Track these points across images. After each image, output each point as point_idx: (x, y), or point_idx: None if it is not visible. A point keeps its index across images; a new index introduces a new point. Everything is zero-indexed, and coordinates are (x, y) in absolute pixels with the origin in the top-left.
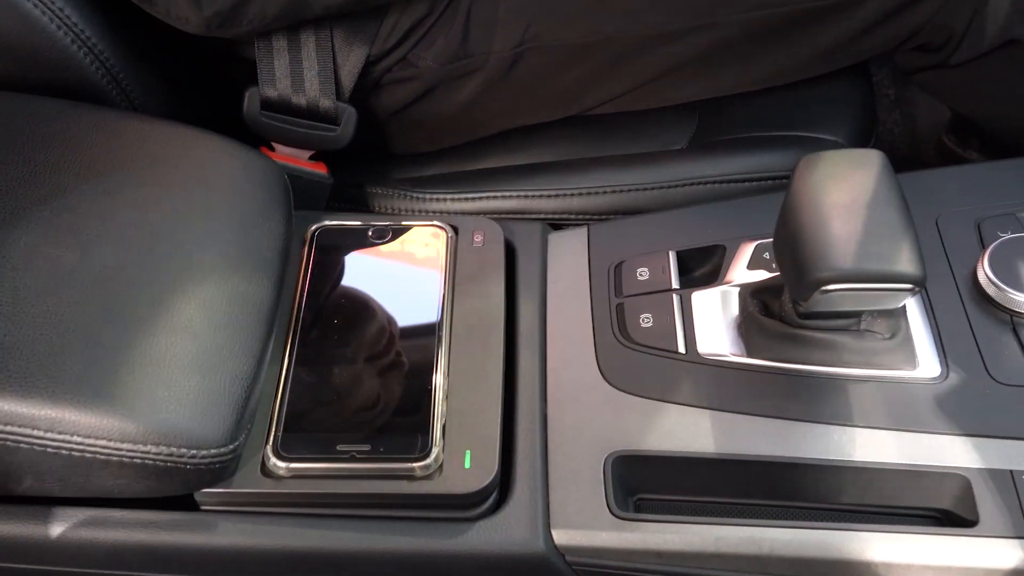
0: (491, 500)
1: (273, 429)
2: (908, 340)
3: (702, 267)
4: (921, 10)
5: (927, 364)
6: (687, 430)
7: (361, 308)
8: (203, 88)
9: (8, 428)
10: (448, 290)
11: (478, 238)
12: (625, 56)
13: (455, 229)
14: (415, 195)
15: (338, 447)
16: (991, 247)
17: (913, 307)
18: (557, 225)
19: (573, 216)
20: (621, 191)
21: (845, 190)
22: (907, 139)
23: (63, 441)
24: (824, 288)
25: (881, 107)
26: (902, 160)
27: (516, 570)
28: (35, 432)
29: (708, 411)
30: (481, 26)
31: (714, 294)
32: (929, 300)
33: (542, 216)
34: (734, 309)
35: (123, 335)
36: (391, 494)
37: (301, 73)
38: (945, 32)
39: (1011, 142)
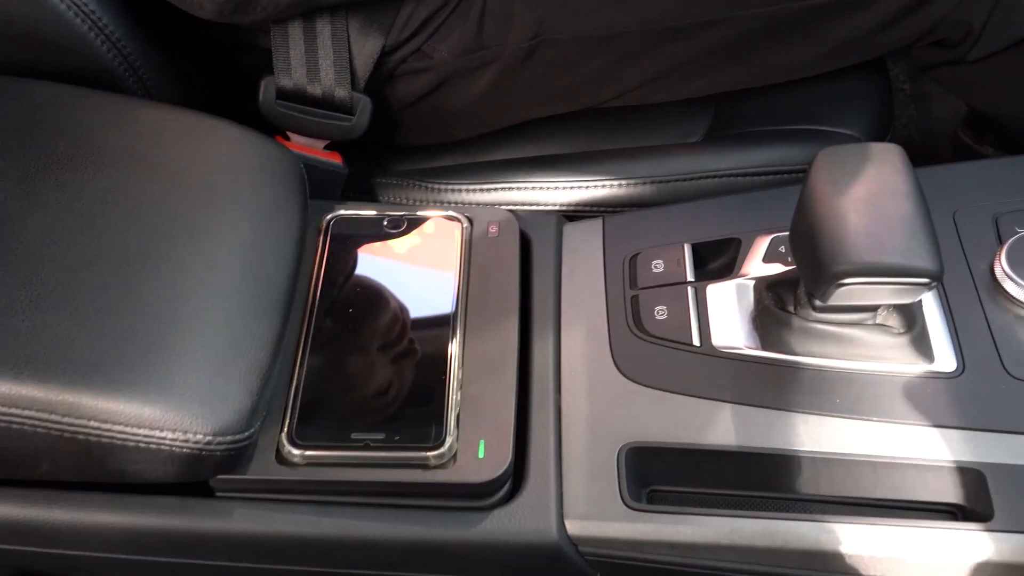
0: (504, 490)
1: (288, 417)
2: (924, 335)
3: (717, 260)
4: (939, 6)
5: (943, 359)
6: (701, 422)
7: (376, 297)
8: (219, 77)
9: (26, 413)
10: (463, 280)
11: (493, 229)
12: (640, 50)
13: (470, 220)
14: (430, 185)
15: (352, 435)
16: (1008, 242)
17: (930, 302)
18: (572, 217)
19: (588, 208)
20: (636, 183)
21: (863, 184)
22: (922, 134)
23: (80, 426)
24: (841, 282)
25: (897, 102)
26: (917, 155)
27: (529, 559)
28: (52, 417)
29: (722, 404)
30: (496, 18)
31: (729, 287)
32: (946, 295)
33: (557, 208)
34: (749, 302)
35: (139, 321)
36: (405, 482)
37: (316, 62)
38: (963, 28)
39: None
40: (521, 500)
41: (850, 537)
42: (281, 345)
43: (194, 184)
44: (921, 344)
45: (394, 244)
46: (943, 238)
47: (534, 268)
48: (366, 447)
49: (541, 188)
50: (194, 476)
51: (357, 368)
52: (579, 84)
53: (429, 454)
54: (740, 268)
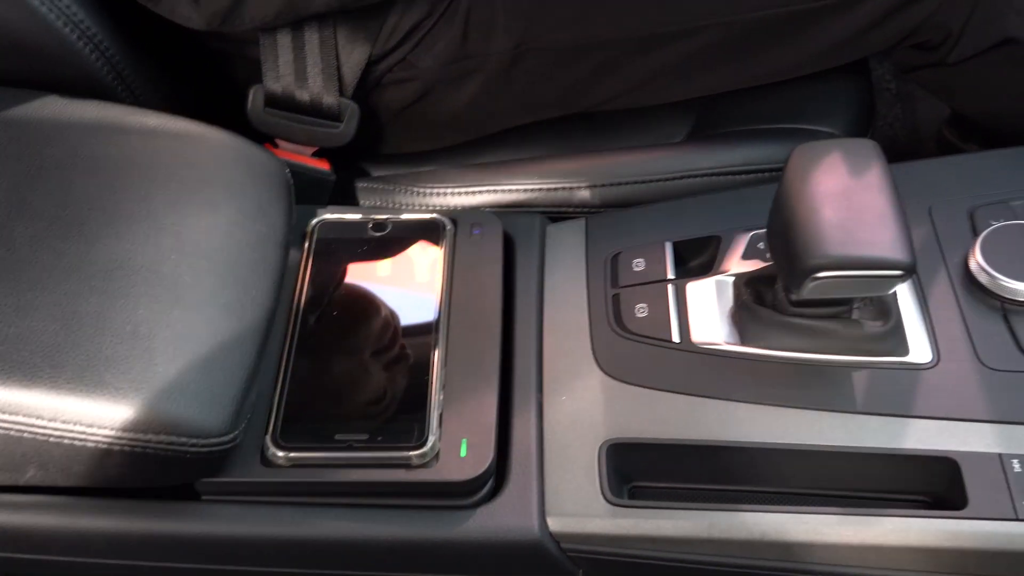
0: (487, 488)
1: (273, 419)
2: (900, 327)
3: (698, 258)
4: (919, 9)
5: (919, 350)
6: (681, 418)
7: (360, 300)
8: (207, 86)
9: (13, 418)
10: (447, 282)
11: (477, 230)
12: (624, 57)
13: (454, 222)
14: (416, 190)
15: (336, 436)
16: (983, 235)
17: (905, 294)
18: (556, 218)
19: (572, 209)
20: (620, 184)
21: (836, 178)
22: (908, 133)
23: (65, 430)
24: (815, 275)
25: (882, 101)
26: (902, 154)
27: (511, 557)
28: (38, 421)
29: (702, 399)
30: (479, 28)
31: (709, 284)
32: (921, 288)
33: (541, 209)
34: (729, 299)
35: (125, 326)
36: (388, 482)
37: (304, 69)
38: (943, 30)
39: (1009, 138)
40: (503, 498)
41: (827, 528)
42: (265, 348)
43: (181, 190)
44: (896, 337)
45: (379, 247)
46: (919, 232)
47: (517, 269)
48: (350, 448)
49: (525, 190)
50: (179, 479)
51: (342, 370)
52: (564, 91)
53: (412, 453)
54: (720, 265)
